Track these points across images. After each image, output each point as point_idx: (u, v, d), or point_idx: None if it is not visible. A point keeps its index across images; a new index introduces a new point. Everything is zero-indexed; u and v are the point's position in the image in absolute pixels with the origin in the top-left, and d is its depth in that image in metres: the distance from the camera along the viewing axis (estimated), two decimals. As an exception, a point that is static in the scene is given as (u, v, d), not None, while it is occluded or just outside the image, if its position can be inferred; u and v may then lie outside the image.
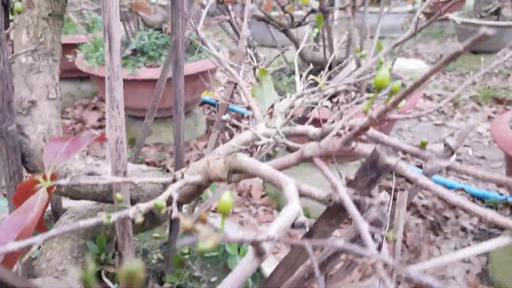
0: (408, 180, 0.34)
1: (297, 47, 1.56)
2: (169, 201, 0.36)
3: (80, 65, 1.63)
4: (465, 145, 1.90)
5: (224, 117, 0.46)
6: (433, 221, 1.44)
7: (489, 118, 2.26)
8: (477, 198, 1.53)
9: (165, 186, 0.53)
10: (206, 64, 1.65)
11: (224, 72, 0.65)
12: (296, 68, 0.64)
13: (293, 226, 0.29)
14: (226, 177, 0.42)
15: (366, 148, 0.33)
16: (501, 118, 1.18)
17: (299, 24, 1.42)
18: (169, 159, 1.82)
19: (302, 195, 0.36)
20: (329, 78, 0.69)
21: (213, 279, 0.78)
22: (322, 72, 0.70)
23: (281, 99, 0.63)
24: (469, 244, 1.35)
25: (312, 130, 0.47)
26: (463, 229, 1.41)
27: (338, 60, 1.58)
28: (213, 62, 0.67)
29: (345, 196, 0.28)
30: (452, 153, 0.36)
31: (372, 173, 0.32)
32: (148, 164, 1.76)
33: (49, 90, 0.42)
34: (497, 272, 1.15)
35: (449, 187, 1.59)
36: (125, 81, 1.58)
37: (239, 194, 1.60)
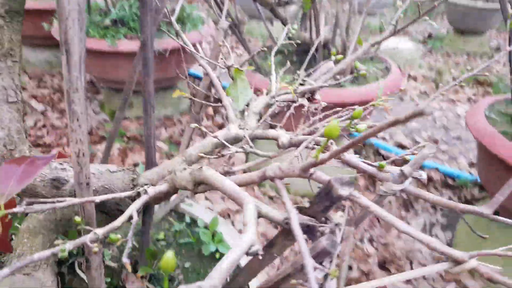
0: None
1: (284, 24, 1.52)
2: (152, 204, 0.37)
3: (57, 34, 1.55)
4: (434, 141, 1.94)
5: (192, 125, 0.46)
6: (406, 199, 1.52)
7: (469, 100, 2.30)
8: (448, 176, 1.61)
9: (134, 185, 0.54)
10: (191, 37, 1.61)
11: (200, 66, 0.64)
12: (273, 67, 0.63)
13: (247, 254, 0.31)
14: (192, 188, 0.42)
15: (324, 176, 0.34)
16: (477, 106, 1.19)
17: (286, 3, 1.38)
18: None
19: (260, 216, 0.37)
20: (312, 72, 0.68)
21: (187, 265, 0.82)
22: (308, 52, 0.69)
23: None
24: (437, 220, 1.44)
25: (282, 137, 0.47)
26: (433, 206, 1.49)
27: (325, 41, 1.55)
28: (191, 52, 0.65)
29: (296, 226, 0.30)
30: (407, 178, 0.37)
31: (326, 201, 0.33)
32: (129, 138, 1.74)
33: (8, 93, 0.41)
34: (460, 247, 1.23)
35: (423, 166, 1.65)
36: (105, 53, 1.53)
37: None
